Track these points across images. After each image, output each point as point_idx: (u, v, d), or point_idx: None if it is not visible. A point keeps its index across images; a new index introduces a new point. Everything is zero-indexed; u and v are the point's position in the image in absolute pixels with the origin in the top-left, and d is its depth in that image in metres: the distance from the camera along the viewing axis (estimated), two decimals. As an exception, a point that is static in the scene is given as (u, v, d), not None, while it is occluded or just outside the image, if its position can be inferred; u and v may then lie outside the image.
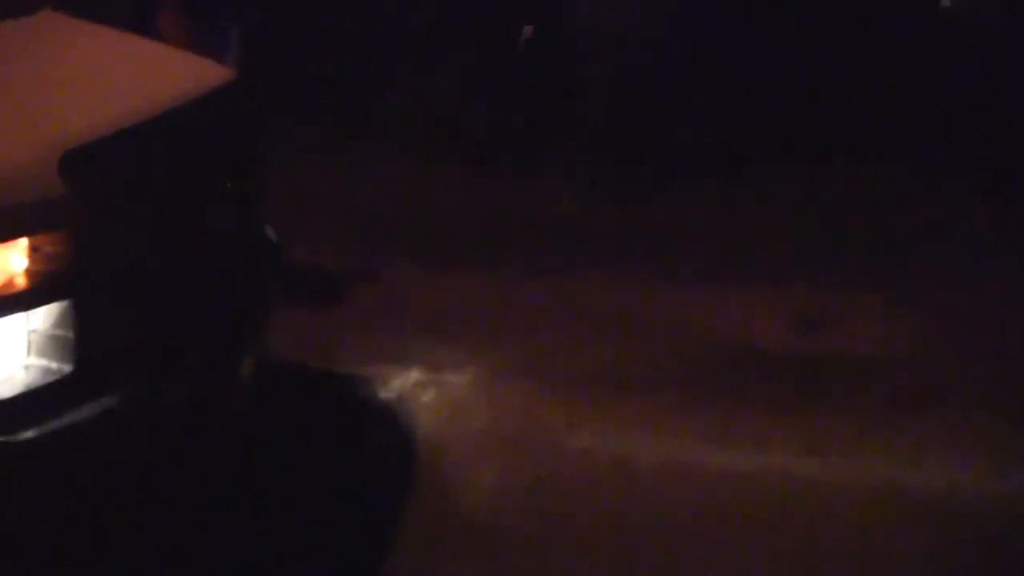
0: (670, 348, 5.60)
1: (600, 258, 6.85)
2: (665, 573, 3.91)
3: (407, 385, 5.06)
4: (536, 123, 8.70)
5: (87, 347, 3.02)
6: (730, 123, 9.08)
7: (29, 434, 2.89)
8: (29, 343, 2.99)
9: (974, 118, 9.16)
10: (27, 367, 2.98)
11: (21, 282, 2.89)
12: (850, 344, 5.73)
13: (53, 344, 3.01)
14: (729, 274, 6.65)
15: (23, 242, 2.88)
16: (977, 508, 4.31)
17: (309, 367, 5.10)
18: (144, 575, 3.65)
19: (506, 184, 8.07)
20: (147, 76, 3.81)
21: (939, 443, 4.74)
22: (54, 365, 3.00)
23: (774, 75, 9.58)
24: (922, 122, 9.18)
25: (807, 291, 6.34)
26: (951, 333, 5.83)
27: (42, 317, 2.99)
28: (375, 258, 6.56)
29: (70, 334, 3.00)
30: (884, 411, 5.00)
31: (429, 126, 8.88)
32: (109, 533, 3.33)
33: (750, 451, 4.69)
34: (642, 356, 5.52)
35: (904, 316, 6.03)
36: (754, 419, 4.91)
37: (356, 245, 6.67)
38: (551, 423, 4.82)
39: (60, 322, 3.01)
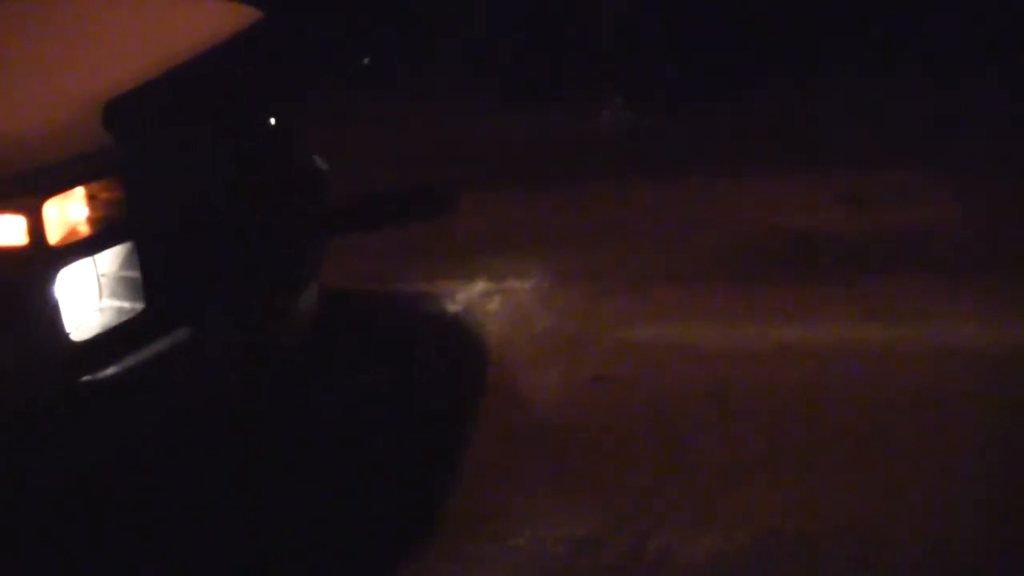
0: (720, 237, 5.69)
1: (640, 163, 6.92)
2: (732, 450, 3.98)
3: (473, 296, 5.19)
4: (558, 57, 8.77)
5: (155, 285, 3.18)
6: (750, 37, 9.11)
7: (111, 371, 3.06)
8: (100, 286, 3.16)
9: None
10: (101, 309, 3.15)
11: (84, 229, 3.05)
12: (894, 218, 5.78)
13: (123, 285, 3.17)
14: (771, 166, 6.64)
15: (80, 191, 3.03)
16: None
17: (379, 290, 5.25)
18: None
19: (540, 112, 8.16)
20: (178, 20, 3.92)
21: (985, 307, 4.79)
22: (126, 305, 3.17)
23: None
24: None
25: (848, 174, 6.37)
26: (989, 206, 5.84)
27: (109, 261, 3.16)
28: (427, 184, 6.66)
29: (137, 274, 3.16)
30: (934, 279, 5.07)
31: (460, 66, 9.01)
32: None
33: (806, 323, 4.78)
34: (693, 248, 5.61)
35: (944, 191, 6.04)
36: (806, 293, 5.01)
37: (406, 174, 6.78)
38: (610, 320, 4.93)
39: (127, 264, 3.17)
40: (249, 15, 4.11)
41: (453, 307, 5.14)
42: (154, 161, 3.22)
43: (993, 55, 8.01)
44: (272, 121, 4.00)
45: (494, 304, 5.14)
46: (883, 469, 3.81)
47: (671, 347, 4.67)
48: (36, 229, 2.92)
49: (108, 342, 3.10)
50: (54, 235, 2.96)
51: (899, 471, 3.78)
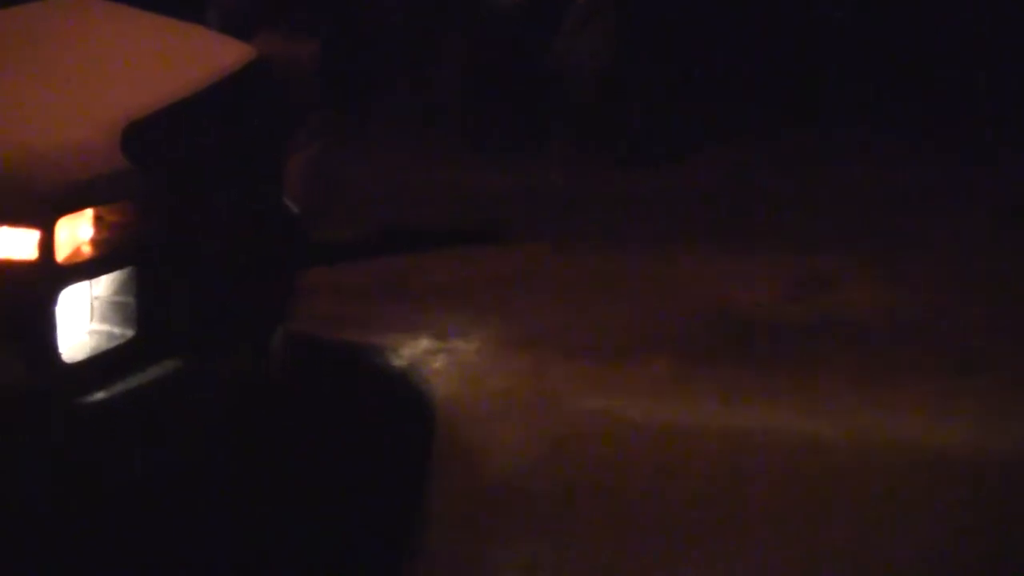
0: (672, 311, 5.78)
1: (596, 225, 7.07)
2: (675, 528, 4.03)
3: (417, 353, 5.21)
4: (521, 108, 8.91)
5: (148, 312, 3.16)
6: (717, 95, 9.36)
7: (99, 396, 3.04)
8: (92, 309, 3.13)
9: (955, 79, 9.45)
10: (92, 332, 3.12)
11: (87, 251, 3.03)
12: (846, 306, 5.92)
13: (116, 310, 3.15)
14: (726, 238, 6.82)
15: (90, 212, 3.01)
16: (975, 464, 4.43)
17: (324, 337, 5.24)
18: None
19: (498, 163, 8.28)
20: (184, 52, 3.93)
21: (933, 402, 4.90)
22: (117, 330, 3.14)
23: (760, 45, 9.84)
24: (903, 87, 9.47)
25: (804, 254, 6.52)
26: (948, 295, 6.01)
27: (104, 284, 3.13)
28: (378, 234, 6.72)
29: (132, 300, 3.14)
30: (880, 371, 5.19)
31: (422, 115, 9.12)
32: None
33: (752, 410, 4.85)
34: (643, 319, 5.70)
35: (899, 279, 6.22)
36: (755, 379, 5.10)
37: (356, 222, 6.80)
38: (555, 389, 4.98)
39: (122, 289, 3.15)
40: (248, 52, 4.14)
41: (398, 362, 5.15)
42: (163, 188, 3.21)
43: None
44: (260, 161, 4.02)
45: (440, 362, 5.17)
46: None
47: (620, 420, 4.73)
48: (47, 245, 2.90)
49: (98, 367, 3.06)
50: (62, 253, 2.94)
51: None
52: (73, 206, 2.96)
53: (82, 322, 3.11)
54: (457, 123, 8.90)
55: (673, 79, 9.32)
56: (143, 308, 3.15)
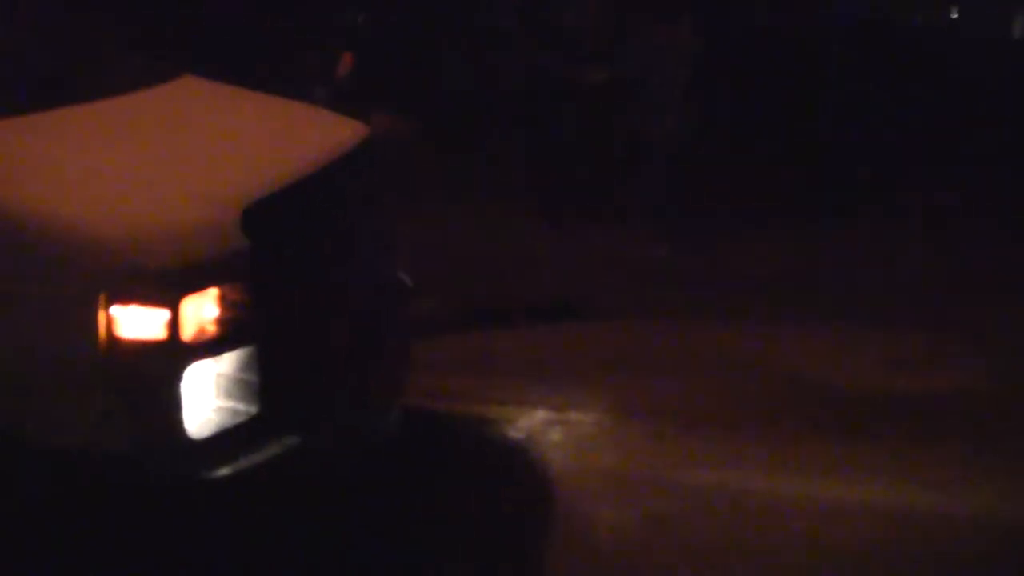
0: (768, 387, 5.75)
1: (691, 301, 7.04)
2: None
3: (534, 424, 5.21)
4: (601, 177, 8.99)
5: (270, 389, 3.21)
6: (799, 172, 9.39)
7: (224, 471, 3.08)
8: (217, 386, 3.18)
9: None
10: (216, 409, 3.16)
11: (212, 329, 3.08)
12: (938, 382, 5.84)
13: (239, 387, 3.20)
14: (819, 314, 6.79)
15: (214, 291, 3.07)
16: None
17: (438, 410, 5.26)
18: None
19: (576, 235, 8.33)
20: (299, 132, 4.02)
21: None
22: (241, 407, 3.19)
23: (841, 123, 9.89)
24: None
25: (895, 330, 6.48)
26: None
27: (228, 362, 3.18)
28: (468, 306, 6.76)
29: (255, 377, 3.19)
30: (974, 447, 5.09)
31: (516, 183, 9.22)
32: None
33: (850, 484, 4.78)
34: (747, 392, 5.67)
35: (992, 355, 6.13)
36: (852, 453, 5.03)
37: (465, 292, 6.86)
38: (672, 460, 4.95)
39: (244, 366, 3.20)
40: (361, 129, 4.21)
41: (515, 433, 5.15)
42: (282, 267, 3.26)
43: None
44: (376, 236, 4.08)
45: (555, 434, 5.16)
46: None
47: (727, 494, 4.68)
48: (173, 325, 2.96)
49: (223, 442, 3.11)
50: (187, 332, 3.00)
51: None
52: (197, 286, 3.02)
53: (207, 399, 3.15)
54: (534, 195, 8.98)
55: (750, 154, 9.40)
56: (265, 385, 3.19)
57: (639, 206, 8.59)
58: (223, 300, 3.09)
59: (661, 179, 8.42)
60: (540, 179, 9.14)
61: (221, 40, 8.97)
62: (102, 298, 2.92)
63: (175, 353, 2.99)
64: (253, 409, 3.19)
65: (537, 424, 5.22)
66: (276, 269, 3.24)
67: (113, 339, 2.94)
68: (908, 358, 6.13)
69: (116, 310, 2.93)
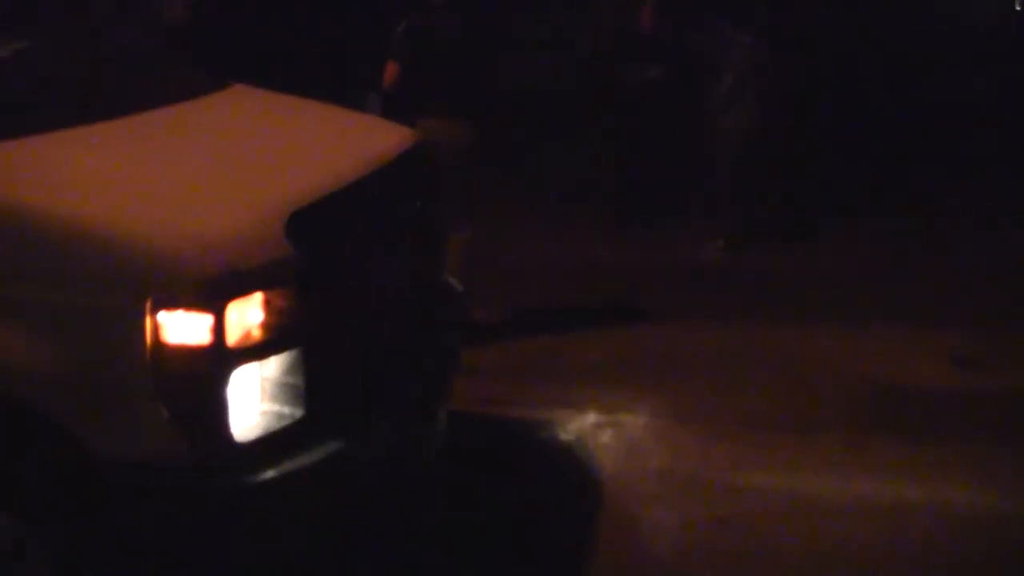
0: (829, 387, 5.72)
1: (750, 303, 7.05)
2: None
3: (584, 428, 5.22)
4: (665, 183, 8.99)
5: (316, 393, 3.23)
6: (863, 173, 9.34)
7: (269, 475, 3.11)
8: (263, 390, 3.21)
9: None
10: (262, 413, 3.20)
11: (258, 334, 3.11)
12: (1003, 382, 5.78)
13: (284, 391, 3.22)
14: (880, 314, 6.75)
15: (258, 296, 3.10)
16: None
17: (488, 414, 5.29)
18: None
19: (642, 238, 8.34)
20: (345, 139, 4.06)
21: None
22: (286, 410, 3.22)
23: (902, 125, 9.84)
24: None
25: (956, 331, 6.43)
26: None
27: (273, 366, 3.22)
28: (527, 312, 6.81)
29: (300, 381, 3.22)
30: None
31: (568, 186, 9.25)
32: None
33: (920, 484, 4.75)
34: (804, 396, 5.64)
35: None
36: (921, 454, 4.99)
37: (514, 295, 6.89)
38: (725, 463, 4.93)
39: (290, 370, 3.22)
40: (409, 136, 4.25)
41: (565, 436, 5.16)
42: (327, 273, 3.30)
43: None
44: (423, 241, 4.10)
45: (606, 437, 5.16)
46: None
47: (785, 497, 4.64)
48: (218, 330, 3.00)
49: (268, 446, 3.15)
50: (232, 337, 3.04)
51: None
52: (242, 291, 3.05)
53: (252, 403, 3.19)
54: (602, 198, 8.98)
55: (817, 156, 9.35)
56: (310, 389, 3.22)
57: (701, 206, 8.58)
58: (268, 305, 3.12)
59: (725, 179, 8.39)
60: (601, 180, 9.17)
61: (276, 49, 9.11)
62: (148, 304, 2.97)
63: (220, 357, 3.02)
64: (298, 413, 3.22)
65: (587, 427, 5.23)
66: (321, 274, 3.26)
67: (159, 344, 2.98)
68: (973, 356, 6.08)
69: (162, 316, 2.97)
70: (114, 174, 3.28)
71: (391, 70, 6.29)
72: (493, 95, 7.02)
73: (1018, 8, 10.66)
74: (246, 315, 3.08)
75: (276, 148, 3.81)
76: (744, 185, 8.33)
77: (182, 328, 2.98)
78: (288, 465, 3.15)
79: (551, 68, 10.35)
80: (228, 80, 4.50)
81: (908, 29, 10.60)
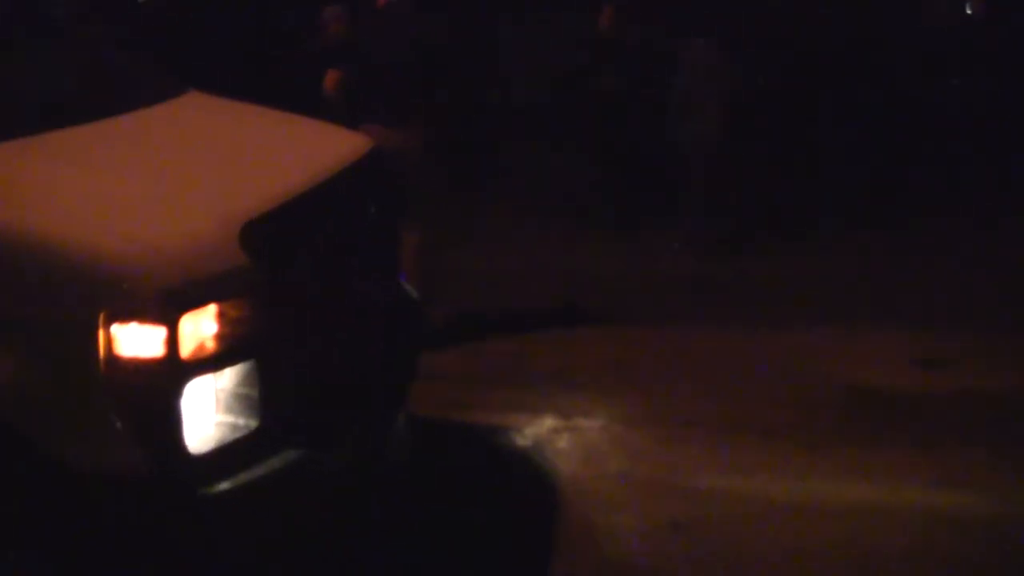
0: (792, 390, 5.74)
1: (714, 307, 7.09)
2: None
3: (542, 432, 5.23)
4: (638, 186, 9.01)
5: (271, 404, 3.24)
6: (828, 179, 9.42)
7: (224, 486, 3.11)
8: (217, 401, 3.21)
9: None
10: (217, 424, 3.20)
11: (211, 345, 3.11)
12: (971, 383, 5.83)
13: (239, 401, 3.22)
14: (842, 318, 6.79)
15: (212, 308, 3.10)
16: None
17: (447, 419, 5.30)
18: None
19: (610, 243, 8.36)
20: (300, 147, 4.05)
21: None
22: (241, 421, 3.22)
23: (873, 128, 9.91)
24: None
25: (921, 334, 6.47)
26: None
27: (227, 377, 3.21)
28: (490, 317, 6.83)
29: (255, 392, 3.22)
30: (1005, 449, 5.06)
31: (541, 189, 9.27)
32: None
33: (883, 486, 4.78)
34: (767, 397, 5.67)
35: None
36: (883, 455, 5.02)
37: (477, 300, 6.91)
38: (683, 466, 4.95)
39: (244, 381, 3.22)
40: (364, 143, 4.24)
41: (523, 442, 5.17)
42: (283, 282, 3.29)
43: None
44: (378, 248, 4.11)
45: (563, 442, 5.17)
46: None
47: (745, 499, 4.67)
48: (172, 342, 2.99)
49: (223, 457, 3.15)
50: (186, 349, 3.03)
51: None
52: (196, 303, 3.05)
53: (207, 414, 3.18)
54: (572, 202, 9.01)
55: (785, 159, 9.41)
56: (265, 400, 3.22)
57: (668, 213, 8.61)
58: (222, 316, 3.12)
59: (694, 187, 8.42)
60: (575, 188, 9.20)
61: (237, 55, 9.10)
62: (102, 316, 2.96)
63: (174, 370, 3.01)
64: (253, 423, 3.22)
65: (544, 432, 5.24)
66: (276, 284, 3.26)
67: (113, 357, 2.97)
68: (940, 359, 6.13)
69: (115, 328, 2.96)
70: (66, 184, 3.27)
71: (332, 77, 6.26)
72: (443, 104, 7.02)
73: (968, 12, 10.74)
74: (200, 327, 3.08)
75: (230, 156, 3.81)
76: (709, 189, 8.36)
77: (135, 341, 2.98)
78: (243, 476, 3.15)
79: (526, 78, 10.37)
80: (184, 85, 4.48)
81: (904, 28, 10.65)
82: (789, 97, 9.93)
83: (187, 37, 9.01)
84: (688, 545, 4.33)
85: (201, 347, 3.09)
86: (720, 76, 8.25)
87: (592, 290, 7.36)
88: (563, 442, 5.17)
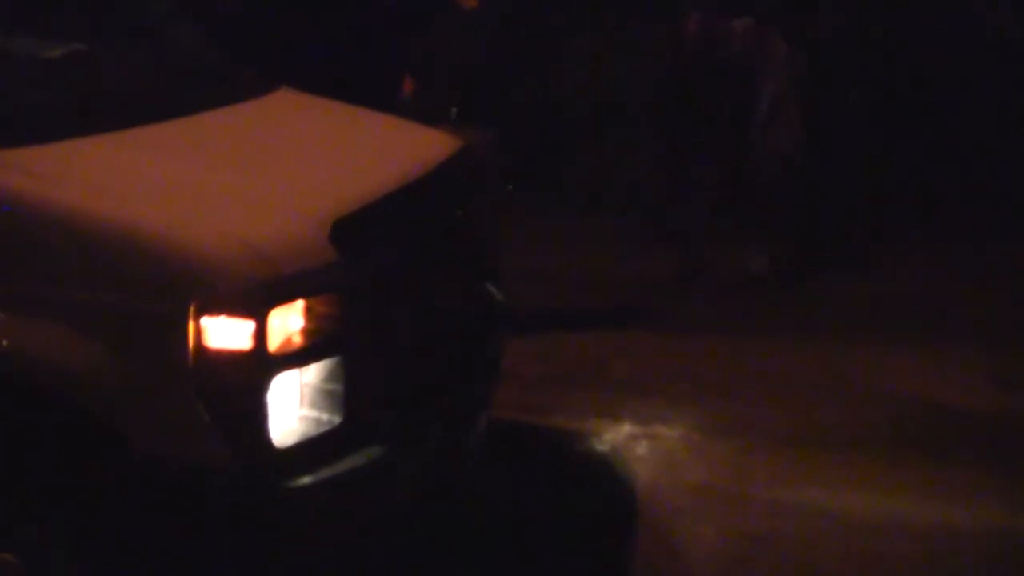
0: (871, 406, 5.69)
1: (793, 320, 7.02)
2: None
3: (620, 439, 5.21)
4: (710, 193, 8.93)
5: (355, 400, 3.24)
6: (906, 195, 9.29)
7: (306, 480, 3.12)
8: (302, 396, 3.22)
9: None
10: (301, 418, 3.21)
11: (299, 340, 3.13)
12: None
13: (323, 397, 3.23)
14: (922, 335, 6.70)
15: (301, 303, 3.12)
16: None
17: (524, 423, 5.29)
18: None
19: (679, 251, 8.29)
20: (391, 146, 4.07)
21: None
22: (325, 416, 3.23)
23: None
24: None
25: (995, 353, 6.37)
26: None
27: (313, 372, 3.23)
28: (574, 317, 6.80)
29: (339, 388, 3.23)
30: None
31: (613, 193, 9.23)
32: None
33: (960, 505, 4.72)
34: (845, 413, 5.61)
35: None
36: (960, 474, 4.96)
37: (543, 301, 6.90)
38: (761, 478, 4.91)
39: (329, 376, 3.23)
40: (455, 143, 4.25)
41: (601, 447, 5.15)
42: (371, 280, 3.30)
43: None
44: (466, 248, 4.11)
45: (641, 449, 5.15)
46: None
47: (823, 514, 4.61)
48: (260, 336, 3.01)
49: (307, 452, 3.16)
50: (274, 343, 3.05)
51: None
52: (284, 298, 3.07)
53: (292, 409, 3.19)
54: (643, 210, 8.95)
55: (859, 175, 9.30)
56: (350, 396, 3.23)
57: (746, 221, 8.53)
58: (309, 312, 3.13)
59: (766, 194, 8.33)
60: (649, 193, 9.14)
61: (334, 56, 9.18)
62: (192, 309, 2.98)
63: (262, 364, 3.03)
64: (337, 419, 3.23)
65: (623, 438, 5.22)
66: (364, 282, 3.27)
67: (201, 349, 3.00)
68: (1017, 377, 6.04)
69: (205, 320, 2.98)
70: (159, 178, 3.30)
71: (408, 84, 6.45)
72: (542, 106, 7.02)
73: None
74: (288, 322, 3.10)
75: (320, 154, 3.83)
76: (790, 204, 8.26)
77: (224, 333, 3.00)
78: (326, 471, 3.17)
79: (612, 80, 10.29)
80: (275, 82, 4.51)
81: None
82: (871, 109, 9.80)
83: (281, 34, 9.11)
84: (764, 558, 4.29)
85: (288, 342, 3.10)
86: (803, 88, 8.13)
87: (667, 298, 7.34)
88: (641, 449, 5.15)
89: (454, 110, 6.33)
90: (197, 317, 2.98)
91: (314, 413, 3.23)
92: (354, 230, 3.29)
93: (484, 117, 6.30)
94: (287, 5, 10.23)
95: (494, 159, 6.25)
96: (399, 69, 6.66)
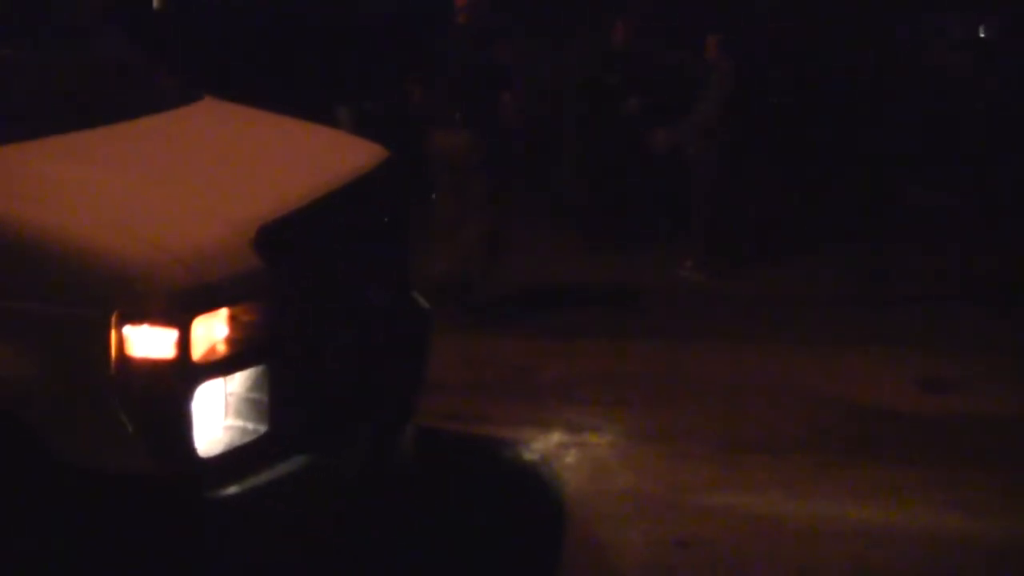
0: (799, 410, 5.74)
1: (722, 325, 7.09)
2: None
3: (549, 447, 5.22)
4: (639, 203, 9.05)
5: (280, 409, 3.23)
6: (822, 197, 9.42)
7: (232, 490, 3.10)
8: (227, 405, 3.20)
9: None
10: (226, 428, 3.19)
11: (222, 349, 3.11)
12: (970, 404, 5.84)
13: (248, 406, 3.22)
14: (853, 337, 6.80)
15: (225, 312, 3.10)
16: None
17: (452, 431, 5.28)
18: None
19: (613, 260, 8.37)
20: (315, 154, 4.06)
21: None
22: (250, 426, 3.21)
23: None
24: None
25: (922, 354, 6.48)
26: None
27: (238, 381, 3.21)
28: (500, 325, 6.82)
29: (264, 397, 3.21)
30: (1007, 471, 5.07)
31: (543, 200, 9.27)
32: None
33: (886, 506, 4.77)
34: (772, 418, 5.66)
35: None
36: (886, 475, 5.02)
37: (482, 312, 6.91)
38: (690, 483, 4.93)
39: (254, 385, 3.22)
40: (380, 152, 4.25)
41: (528, 455, 5.16)
42: (295, 288, 3.29)
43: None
44: (390, 257, 4.11)
45: (569, 457, 5.16)
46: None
47: (752, 518, 4.65)
48: (184, 344, 2.99)
49: (232, 461, 3.14)
50: (198, 352, 3.03)
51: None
52: (208, 306, 3.05)
53: (217, 418, 3.18)
54: (574, 220, 9.03)
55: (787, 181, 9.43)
56: (275, 405, 3.22)
57: (679, 229, 8.60)
58: (234, 320, 3.12)
59: (700, 202, 8.40)
60: (580, 201, 9.20)
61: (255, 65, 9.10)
62: (114, 317, 2.96)
63: (186, 373, 3.01)
64: (262, 428, 3.21)
65: (553, 447, 5.22)
66: (288, 289, 3.26)
67: (125, 358, 2.97)
68: (941, 379, 6.14)
69: (128, 329, 2.96)
70: (82, 184, 3.27)
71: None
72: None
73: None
74: (212, 330, 3.08)
75: (245, 162, 3.81)
76: (718, 209, 8.34)
77: (147, 342, 2.98)
78: (251, 480, 3.15)
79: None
80: (200, 92, 4.49)
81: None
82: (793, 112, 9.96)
83: (203, 43, 9.02)
84: (693, 563, 4.31)
85: (212, 350, 3.09)
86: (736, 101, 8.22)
87: (598, 306, 7.38)
88: (569, 457, 5.15)
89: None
90: (120, 326, 2.96)
91: (239, 422, 3.22)
92: (278, 238, 3.27)
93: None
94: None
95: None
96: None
